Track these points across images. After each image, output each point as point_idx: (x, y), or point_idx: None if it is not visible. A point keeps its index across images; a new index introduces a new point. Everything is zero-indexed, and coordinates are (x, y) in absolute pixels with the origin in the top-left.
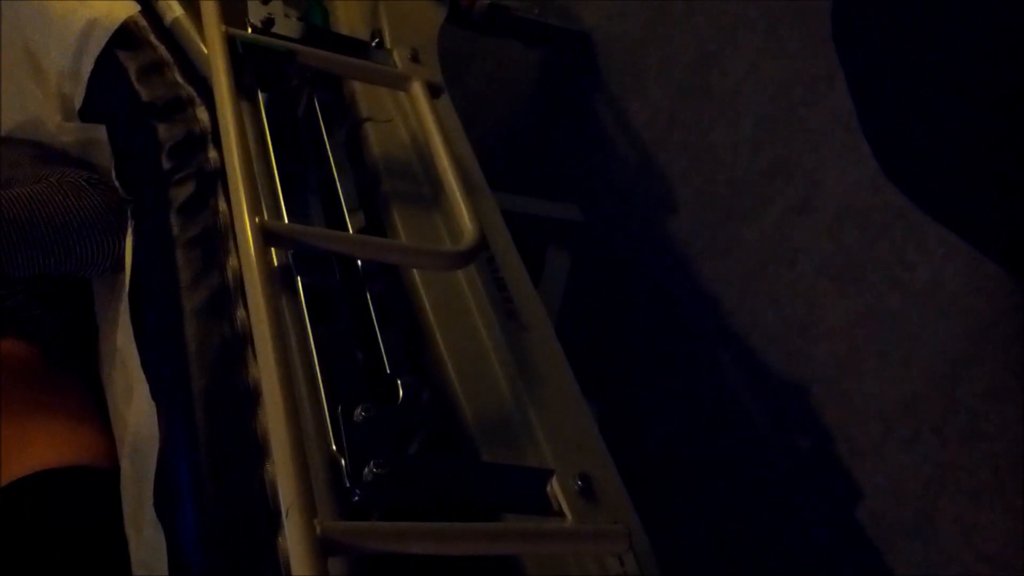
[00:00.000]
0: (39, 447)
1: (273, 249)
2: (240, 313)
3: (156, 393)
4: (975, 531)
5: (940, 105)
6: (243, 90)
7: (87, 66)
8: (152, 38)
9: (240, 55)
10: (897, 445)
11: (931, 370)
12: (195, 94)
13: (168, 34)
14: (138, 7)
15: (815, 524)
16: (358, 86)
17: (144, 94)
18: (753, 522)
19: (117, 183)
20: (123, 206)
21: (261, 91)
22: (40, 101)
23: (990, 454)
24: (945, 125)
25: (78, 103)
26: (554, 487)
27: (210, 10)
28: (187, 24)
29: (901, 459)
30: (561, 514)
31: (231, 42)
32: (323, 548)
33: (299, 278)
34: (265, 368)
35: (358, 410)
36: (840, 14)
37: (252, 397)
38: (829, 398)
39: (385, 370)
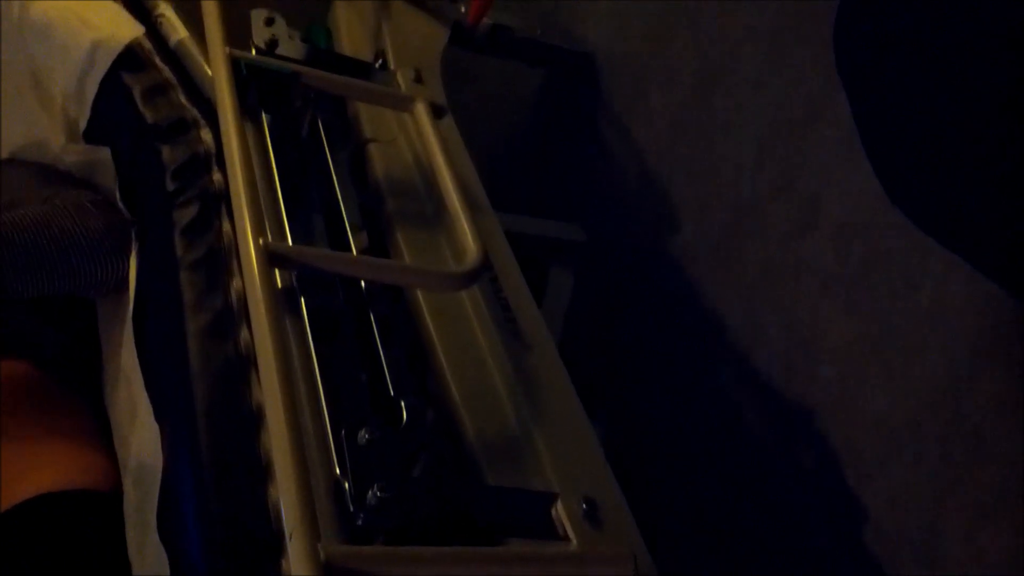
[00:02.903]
0: (42, 470)
1: (277, 270)
2: (244, 334)
3: (159, 415)
4: (981, 547)
5: (943, 125)
6: (247, 111)
7: (92, 88)
8: (157, 60)
9: (244, 76)
10: (902, 462)
11: (935, 387)
12: (199, 116)
13: (173, 56)
14: (143, 29)
15: (821, 541)
16: (361, 107)
17: (148, 116)
18: (758, 538)
19: (121, 204)
20: (127, 227)
21: (265, 112)
22: (45, 123)
23: (996, 470)
24: (948, 146)
25: (83, 124)
26: (559, 511)
27: (214, 32)
28: (191, 46)
29: (906, 475)
30: (566, 538)
31: (235, 64)
32: (326, 572)
33: (303, 299)
34: (268, 390)
35: (362, 432)
36: (842, 34)
37: (255, 419)
38: (833, 415)
39: (389, 391)
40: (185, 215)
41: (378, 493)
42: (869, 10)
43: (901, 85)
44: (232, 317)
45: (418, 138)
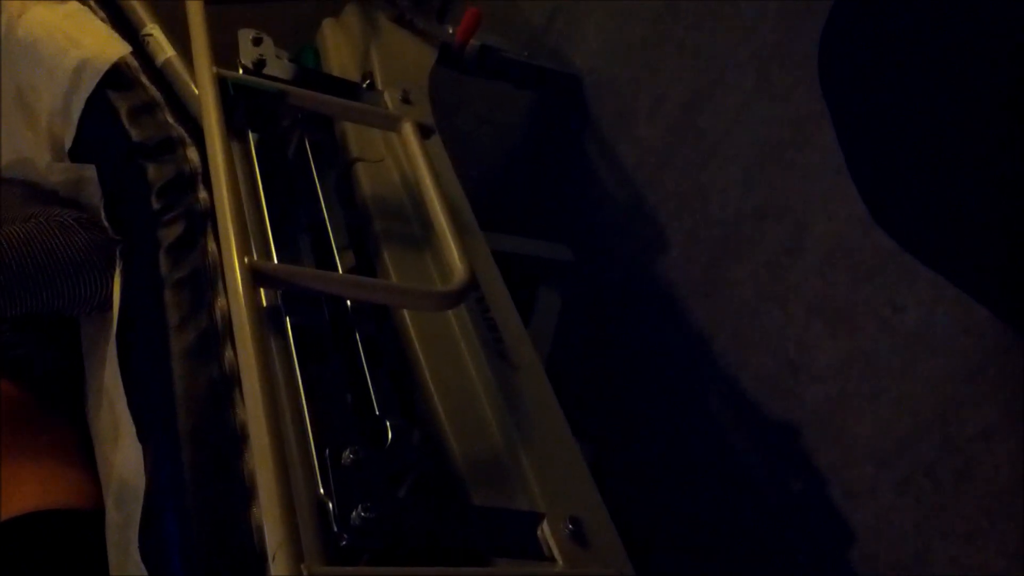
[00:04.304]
0: (25, 489)
1: (262, 289)
2: (228, 354)
3: (143, 434)
4: (969, 573)
5: (928, 147)
6: (234, 131)
7: (78, 106)
8: (143, 79)
9: (231, 96)
10: (890, 486)
11: (923, 411)
12: (186, 134)
13: (159, 75)
14: (130, 48)
15: (809, 566)
16: (349, 126)
17: (134, 134)
18: (744, 560)
19: (106, 223)
20: (112, 246)
21: (252, 132)
22: (30, 141)
23: (983, 495)
24: (934, 167)
25: (68, 143)
26: (545, 531)
27: (201, 51)
28: (178, 65)
29: (894, 500)
30: (552, 558)
31: (222, 83)
32: None
33: (288, 318)
34: (252, 409)
35: (346, 452)
36: (827, 57)
37: (239, 439)
38: (821, 439)
39: (374, 412)
40: (170, 234)
41: (362, 513)
42: (853, 34)
43: (886, 108)
44: (217, 336)
45: (405, 158)
